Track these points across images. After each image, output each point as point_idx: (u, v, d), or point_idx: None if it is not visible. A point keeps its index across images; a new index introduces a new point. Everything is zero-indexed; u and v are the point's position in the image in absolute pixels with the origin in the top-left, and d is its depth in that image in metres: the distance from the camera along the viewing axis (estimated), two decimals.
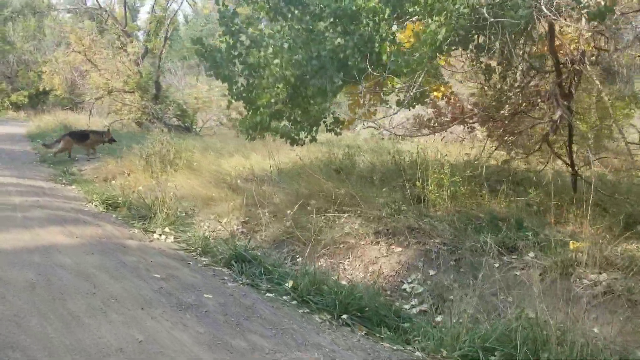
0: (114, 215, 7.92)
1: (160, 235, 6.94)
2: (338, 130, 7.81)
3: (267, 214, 7.42)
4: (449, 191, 6.77)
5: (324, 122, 7.67)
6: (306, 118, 7.50)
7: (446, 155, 8.44)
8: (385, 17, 6.47)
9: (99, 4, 24.00)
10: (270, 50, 6.89)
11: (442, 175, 6.88)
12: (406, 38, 6.22)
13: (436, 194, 6.85)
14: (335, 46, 6.47)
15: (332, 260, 6.07)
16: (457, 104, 8.48)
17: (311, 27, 6.67)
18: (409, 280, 5.43)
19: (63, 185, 10.13)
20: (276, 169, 9.02)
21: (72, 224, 6.77)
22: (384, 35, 6.48)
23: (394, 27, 6.53)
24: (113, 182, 10.57)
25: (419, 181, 7.00)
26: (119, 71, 22.00)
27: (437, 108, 8.76)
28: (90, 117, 25.11)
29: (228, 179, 9.11)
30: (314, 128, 7.61)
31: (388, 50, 6.41)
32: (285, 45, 6.84)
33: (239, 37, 7.24)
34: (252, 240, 6.92)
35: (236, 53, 7.35)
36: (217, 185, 8.78)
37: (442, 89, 7.54)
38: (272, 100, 6.90)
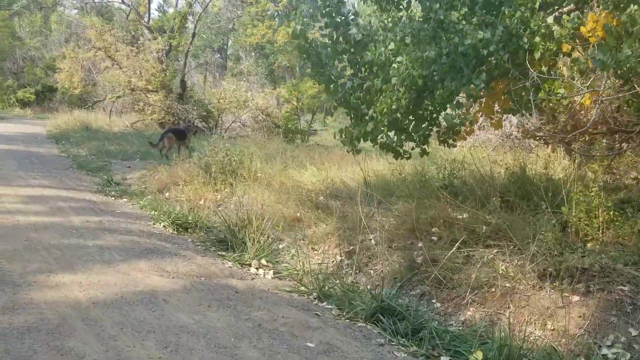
0: (189, 240, 6.73)
1: (257, 269, 5.75)
2: (452, 142, 6.60)
3: (373, 241, 6.25)
4: (603, 217, 5.60)
5: (437, 131, 6.47)
6: (418, 127, 6.32)
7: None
8: (535, 5, 5.27)
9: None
10: (392, 45, 5.67)
11: (592, 198, 5.69)
12: (589, 32, 5.00)
13: (586, 222, 5.67)
14: (478, 41, 5.24)
15: (485, 310, 4.89)
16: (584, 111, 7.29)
17: (442, 17, 5.47)
18: (608, 343, 4.26)
19: (114, 199, 8.92)
20: (366, 184, 7.80)
21: (155, 255, 5.57)
22: (534, 27, 5.27)
23: (549, 19, 5.32)
24: (167, 194, 9.38)
25: (564, 206, 5.81)
26: (143, 69, 20.74)
27: (551, 115, 7.58)
28: (110, 116, 23.85)
29: (307, 194, 7.91)
30: (424, 138, 6.41)
31: (541, 46, 5.20)
32: (407, 40, 5.62)
33: (348, 30, 6.06)
34: (364, 276, 5.77)
35: (340, 49, 6.18)
36: (297, 202, 7.57)
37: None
38: (394, 107, 5.69)
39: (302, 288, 5.23)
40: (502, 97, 6.26)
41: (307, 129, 21.82)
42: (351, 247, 6.27)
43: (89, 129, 20.52)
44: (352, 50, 6.16)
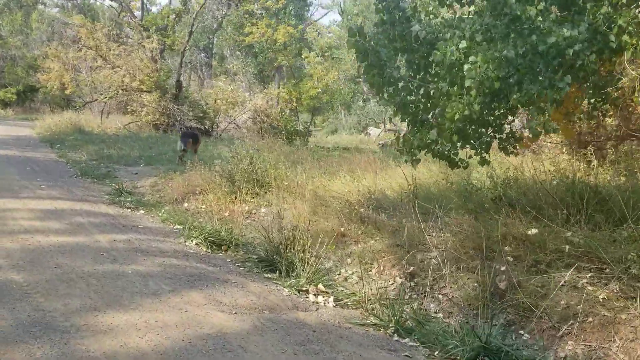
0: (228, 260, 6.05)
1: (315, 295, 5.11)
2: (512, 149, 6.01)
3: (434, 260, 5.65)
4: None
5: (500, 137, 5.87)
6: (480, 134, 5.72)
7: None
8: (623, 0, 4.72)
9: None
10: (464, 44, 5.05)
11: None
12: None
13: None
14: (562, 39, 4.64)
15: (586, 343, 4.33)
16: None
17: (518, 12, 4.87)
18: None
19: (130, 211, 8.17)
20: (413, 194, 7.17)
21: (204, 283, 4.90)
22: (623, 24, 4.70)
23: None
24: (186, 204, 8.67)
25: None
26: (138, 68, 19.84)
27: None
28: (102, 118, 22.87)
29: (348, 205, 7.27)
30: (486, 146, 5.81)
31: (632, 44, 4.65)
32: (478, 38, 5.01)
33: (408, 27, 5.43)
34: (432, 301, 5.18)
35: (399, 47, 5.56)
36: (339, 215, 6.94)
37: None
38: (466, 112, 5.07)
39: (373, 319, 4.61)
40: (575, 101, 5.72)
41: (305, 130, 21.16)
42: (411, 268, 5.66)
43: (82, 131, 19.55)
44: (412, 49, 5.53)
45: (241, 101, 20.56)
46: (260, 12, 29.82)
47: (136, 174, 11.30)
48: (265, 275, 5.58)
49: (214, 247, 6.44)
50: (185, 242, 6.54)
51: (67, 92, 22.75)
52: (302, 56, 20.33)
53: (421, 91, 5.62)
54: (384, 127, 26.85)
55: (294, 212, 7.34)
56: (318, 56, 20.59)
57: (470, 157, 5.94)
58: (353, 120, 34.52)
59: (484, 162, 5.92)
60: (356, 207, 7.03)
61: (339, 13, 48.03)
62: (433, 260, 5.72)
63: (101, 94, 21.64)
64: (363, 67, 5.71)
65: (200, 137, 13.49)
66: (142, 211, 8.21)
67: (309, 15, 43.40)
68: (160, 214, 8.02)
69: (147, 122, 20.58)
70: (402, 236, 6.16)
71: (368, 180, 8.29)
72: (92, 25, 21.40)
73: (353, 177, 8.51)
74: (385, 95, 5.69)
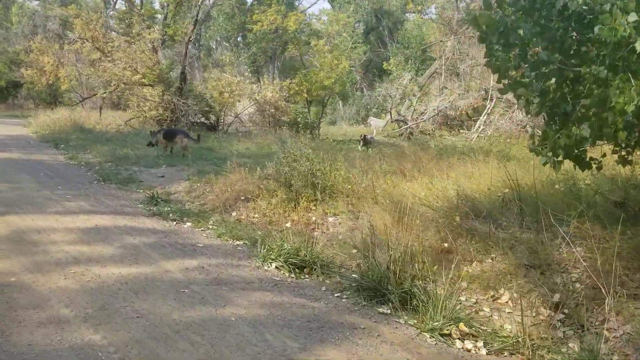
0: (323, 289, 4.93)
1: (462, 340, 4.03)
2: None
3: (579, 284, 4.62)
4: None
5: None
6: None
7: None
8: None
9: None
10: (634, 17, 3.92)
11: None
12: None
13: None
14: None
15: None
16: None
17: None
18: None
19: (175, 223, 6.97)
20: (518, 197, 6.07)
21: (330, 332, 3.79)
22: None
23: None
24: (234, 213, 7.50)
25: None
26: (140, 61, 18.40)
27: None
28: (100, 114, 21.38)
29: (436, 212, 6.19)
30: (635, 143, 4.74)
31: None
32: None
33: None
34: (597, 341, 4.13)
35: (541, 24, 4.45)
36: (430, 225, 5.85)
37: None
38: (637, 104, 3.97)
39: None
40: None
41: (316, 122, 19.98)
42: (557, 295, 4.60)
43: (83, 129, 18.09)
44: (556, 25, 4.40)
45: (249, 93, 19.26)
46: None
47: (162, 177, 10.05)
48: (379, 310, 4.47)
49: (296, 270, 5.31)
50: (262, 265, 5.38)
51: (63, 87, 21.11)
52: (312, 44, 19.06)
53: (569, 76, 4.52)
54: (390, 117, 25.77)
55: (372, 222, 6.22)
56: (327, 44, 19.36)
57: (604, 155, 4.88)
58: (351, 111, 33.37)
59: (625, 162, 4.88)
60: (455, 215, 5.94)
61: (328, 1, 46.65)
62: (577, 284, 4.70)
63: (100, 89, 20.12)
64: (489, 47, 4.58)
65: (185, 135, 13.14)
66: (188, 224, 7.01)
67: (297, 4, 41.98)
68: (211, 227, 6.86)
69: (150, 118, 19.16)
70: (523, 252, 5.11)
71: (443, 181, 7.21)
72: (88, 16, 19.81)
73: (423, 177, 7.41)
74: (520, 81, 4.58)
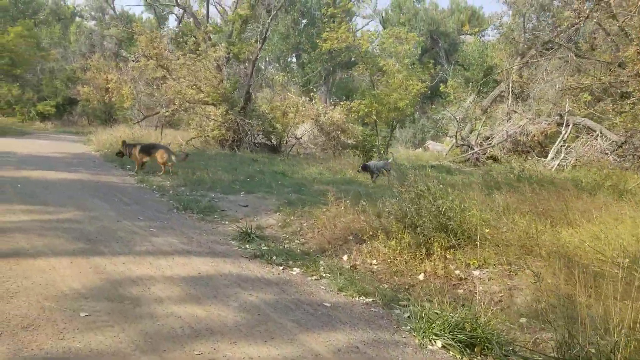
0: None
1: None
2: None
3: None
4: None
5: None
6: None
7: None
8: None
9: (176, 1, 19.44)
10: None
11: None
12: None
13: None
14: None
15: None
16: None
17: None
18: None
19: (282, 269, 5.77)
20: None
21: None
22: None
23: None
24: (345, 257, 6.25)
25: None
26: (206, 79, 17.60)
27: None
28: (161, 133, 20.69)
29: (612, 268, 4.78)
30: None
31: None
32: None
33: None
34: None
35: None
36: (628, 292, 4.45)
37: None
38: None
39: None
40: None
41: (385, 145, 18.72)
42: None
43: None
44: None
45: (314, 115, 18.20)
46: (326, 17, 27.37)
47: (246, 206, 8.93)
48: None
49: (467, 350, 4.00)
50: (422, 341, 4.09)
51: (125, 105, 20.52)
52: (381, 64, 17.91)
53: None
54: (456, 141, 24.28)
55: (540, 280, 4.86)
56: (397, 64, 18.17)
57: None
58: (407, 134, 31.99)
59: None
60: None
61: (380, 23, 45.70)
62: None
63: (160, 107, 19.41)
64: None
65: (167, 151, 12.57)
66: (297, 270, 5.80)
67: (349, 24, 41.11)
68: (324, 275, 5.63)
69: (212, 138, 18.30)
70: None
71: (611, 227, 5.80)
72: (153, 34, 19.24)
73: (586, 222, 6.00)
74: None
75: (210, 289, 4.65)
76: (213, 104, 18.43)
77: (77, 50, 52.85)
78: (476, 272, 5.56)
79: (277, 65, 44.80)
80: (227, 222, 7.88)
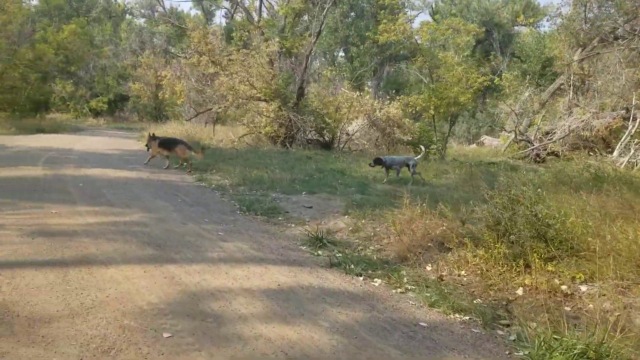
0: None
1: None
2: None
3: None
4: None
5: None
6: None
7: None
8: None
9: None
10: None
11: None
12: None
13: None
14: None
15: None
16: None
17: None
18: None
19: (362, 279, 5.30)
20: None
21: None
22: None
23: None
24: (428, 267, 5.73)
25: None
26: (259, 75, 17.30)
27: None
28: (213, 129, 20.61)
29: None
30: None
31: None
32: None
33: None
34: None
35: None
36: None
37: None
38: None
39: None
40: None
41: (442, 142, 17.99)
42: None
43: (199, 144, 17.21)
44: None
45: (369, 110, 17.65)
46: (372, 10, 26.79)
47: (310, 207, 8.51)
48: None
49: None
50: None
51: (179, 101, 20.52)
52: (439, 56, 17.17)
53: None
54: (515, 136, 23.23)
55: None
56: (457, 56, 17.39)
57: None
58: (461, 129, 30.97)
59: None
60: None
61: (430, 15, 44.56)
62: None
63: (213, 104, 19.28)
64: None
65: (187, 147, 12.63)
66: (378, 280, 5.32)
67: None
68: (409, 287, 5.14)
69: (265, 134, 18.03)
70: None
71: None
72: (205, 29, 19.09)
73: None
74: None
75: (295, 305, 4.23)
76: (265, 100, 18.14)
77: (127, 48, 53.95)
78: (583, 287, 4.94)
79: (323, 59, 44.40)
80: (293, 225, 7.49)
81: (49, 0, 45.36)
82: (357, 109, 17.49)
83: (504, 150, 23.11)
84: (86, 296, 3.99)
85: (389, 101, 18.04)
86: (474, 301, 4.85)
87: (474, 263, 5.59)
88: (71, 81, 43.71)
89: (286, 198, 9.26)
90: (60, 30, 34.15)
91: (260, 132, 18.53)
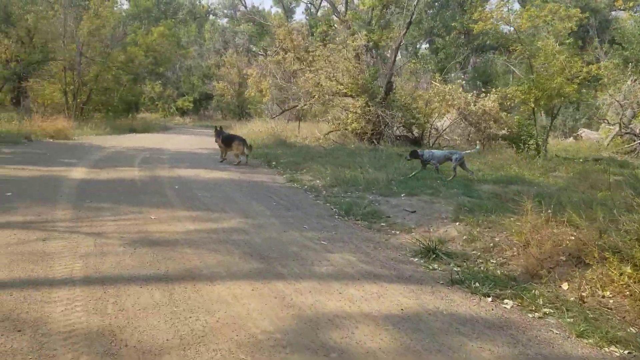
0: None
1: None
2: None
3: None
4: None
5: None
6: None
7: None
8: None
9: None
10: None
11: None
12: None
13: None
14: None
15: None
16: None
17: None
18: None
19: (490, 300, 4.61)
20: None
21: None
22: None
23: None
24: (565, 286, 4.92)
25: None
26: (345, 70, 16.78)
27: None
28: (299, 126, 20.37)
29: None
30: None
31: None
32: None
33: None
34: None
35: None
36: None
37: None
38: None
39: None
40: None
41: (544, 136, 16.64)
42: None
43: (285, 143, 17.02)
44: None
45: (464, 104, 16.63)
46: None
47: (413, 212, 7.85)
48: None
49: None
50: None
51: (264, 99, 20.46)
52: (537, 43, 15.84)
53: None
54: (620, 129, 21.25)
55: None
56: (557, 43, 15.96)
57: None
58: (556, 122, 28.82)
59: None
60: None
61: (518, 1, 42.06)
62: None
63: (300, 100, 19.00)
64: None
65: (242, 142, 12.79)
66: (508, 302, 4.60)
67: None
68: (548, 311, 4.38)
69: (351, 131, 17.49)
70: None
71: None
72: (290, 26, 18.82)
73: None
74: None
75: (427, 337, 3.63)
76: (351, 96, 17.60)
77: (211, 48, 55.39)
78: None
79: (405, 52, 43.24)
80: (397, 232, 6.89)
81: (139, 3, 47.30)
82: (449, 102, 16.54)
83: (607, 145, 21.21)
84: (195, 320, 3.61)
85: (483, 94, 16.92)
86: (629, 330, 4.06)
87: (621, 282, 4.73)
88: (159, 82, 45.40)
89: (385, 201, 8.66)
90: (150, 32, 35.42)
91: (346, 129, 18.02)
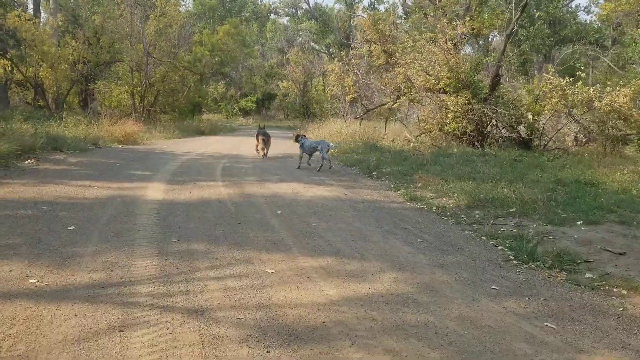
0: None
1: None
2: None
3: None
4: None
5: None
6: None
7: None
8: None
9: None
10: None
11: None
12: None
13: None
14: None
15: None
16: None
17: None
18: None
19: None
20: None
21: None
22: None
23: None
24: None
25: None
26: (444, 61, 14.30)
27: None
28: (385, 128, 18.01)
29: None
30: None
31: None
32: None
33: None
34: None
35: None
36: None
37: None
38: None
39: None
40: None
41: None
42: None
43: (375, 146, 14.75)
44: None
45: (587, 99, 13.79)
46: None
47: (623, 253, 5.38)
48: None
49: None
50: None
51: (348, 97, 18.24)
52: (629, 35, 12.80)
53: None
54: None
55: None
56: None
57: None
58: None
59: None
60: None
61: None
62: None
63: (389, 98, 16.65)
64: None
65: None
66: None
67: None
68: None
69: (452, 132, 15.00)
70: None
71: None
72: (374, 15, 16.51)
73: None
74: None
75: None
76: (449, 92, 15.11)
77: (273, 47, 53.82)
78: None
79: (476, 46, 40.06)
80: (624, 291, 4.46)
81: (204, 2, 46.21)
82: (569, 98, 13.77)
83: None
84: None
85: (616, 87, 14.02)
86: None
87: None
88: (223, 82, 44.14)
89: (560, 233, 6.21)
90: (215, 31, 33.99)
91: (440, 130, 15.54)
